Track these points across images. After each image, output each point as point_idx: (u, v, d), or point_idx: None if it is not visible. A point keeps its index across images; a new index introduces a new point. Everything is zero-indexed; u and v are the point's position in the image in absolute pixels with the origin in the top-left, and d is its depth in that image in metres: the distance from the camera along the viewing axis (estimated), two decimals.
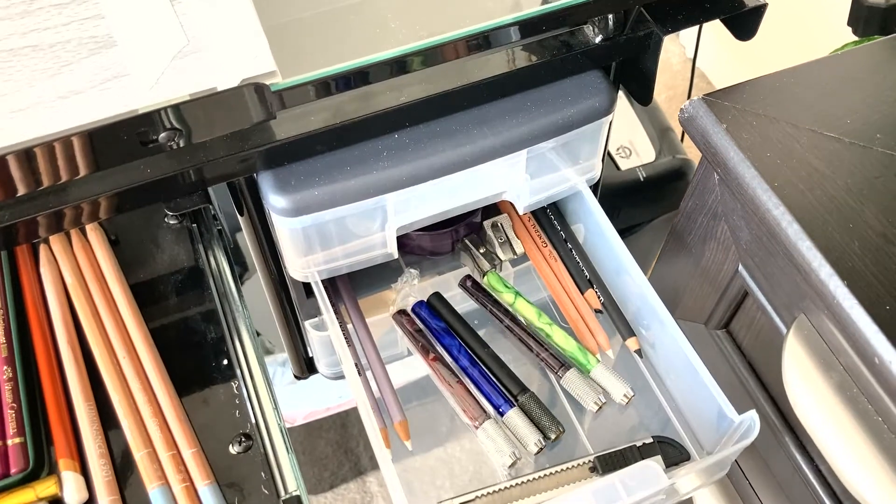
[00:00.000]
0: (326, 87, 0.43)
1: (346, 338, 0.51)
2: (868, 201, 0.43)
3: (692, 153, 1.02)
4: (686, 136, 1.05)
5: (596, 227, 0.55)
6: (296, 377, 0.67)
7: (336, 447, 1.27)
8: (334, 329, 0.50)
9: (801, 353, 0.45)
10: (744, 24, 0.54)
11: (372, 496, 1.26)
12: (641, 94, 0.53)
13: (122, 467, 0.44)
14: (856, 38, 0.72)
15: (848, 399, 0.44)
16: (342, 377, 0.64)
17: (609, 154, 0.96)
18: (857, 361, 0.42)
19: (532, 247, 0.59)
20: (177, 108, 0.39)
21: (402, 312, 0.57)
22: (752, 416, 0.45)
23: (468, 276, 0.58)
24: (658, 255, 0.64)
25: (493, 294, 0.57)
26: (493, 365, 0.54)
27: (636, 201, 1.00)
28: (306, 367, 0.65)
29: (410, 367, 0.57)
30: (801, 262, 0.42)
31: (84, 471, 0.44)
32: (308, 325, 0.58)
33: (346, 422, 1.26)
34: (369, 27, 0.44)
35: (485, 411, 0.51)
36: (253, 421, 0.45)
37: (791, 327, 0.46)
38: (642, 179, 0.98)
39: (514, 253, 0.59)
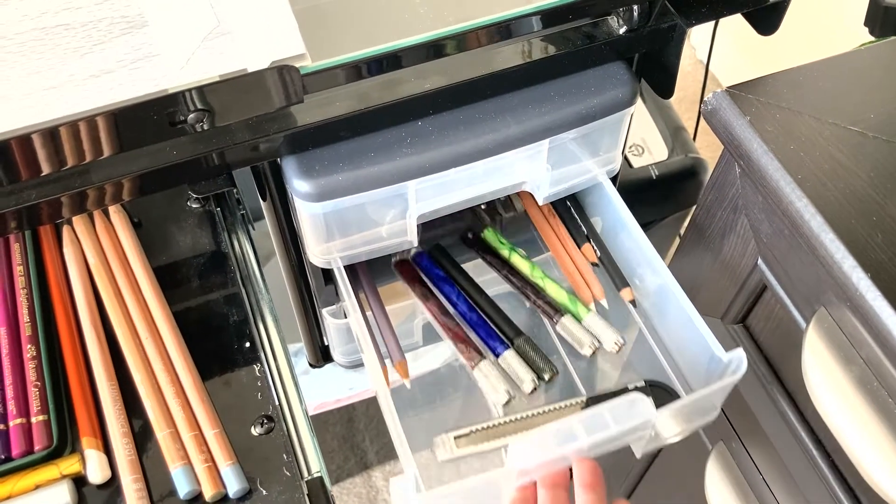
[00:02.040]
0: (353, 71, 0.43)
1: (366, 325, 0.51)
2: (891, 194, 0.43)
3: (705, 153, 1.02)
4: (698, 135, 1.05)
5: (615, 215, 0.55)
6: (311, 365, 0.67)
7: (342, 441, 1.27)
8: (356, 315, 0.50)
9: (821, 346, 0.45)
10: (766, 19, 0.54)
11: (377, 490, 1.26)
12: (663, 87, 0.53)
13: (145, 447, 0.45)
14: (871, 39, 0.73)
15: (868, 392, 0.44)
16: (357, 366, 0.64)
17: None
18: (879, 354, 0.42)
19: (531, 203, 0.59)
20: (206, 88, 0.39)
21: (403, 262, 0.57)
22: (739, 354, 0.46)
23: (469, 229, 0.59)
24: (675, 250, 0.64)
25: (492, 248, 0.58)
26: (490, 310, 0.55)
27: (648, 199, 1.00)
28: (321, 355, 0.66)
29: (422, 359, 0.58)
30: (824, 254, 0.42)
31: (107, 449, 0.45)
32: (326, 313, 0.59)
33: (353, 416, 1.26)
34: (397, 11, 0.44)
35: (480, 353, 0.52)
36: (276, 403, 0.46)
37: (811, 321, 0.46)
38: (654, 178, 0.98)
39: (515, 209, 0.59)
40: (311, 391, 0.93)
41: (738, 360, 0.46)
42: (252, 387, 0.46)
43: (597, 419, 0.43)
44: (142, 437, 0.45)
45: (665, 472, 0.78)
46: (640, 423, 0.43)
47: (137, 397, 0.46)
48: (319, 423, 1.26)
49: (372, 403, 1.21)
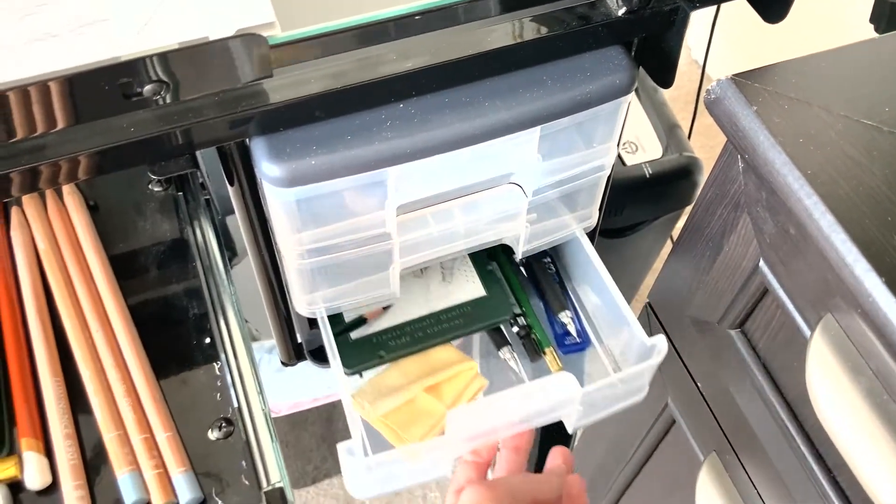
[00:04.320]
0: (329, 44, 0.39)
1: None
2: None
3: (699, 153, 1.00)
4: (693, 136, 1.02)
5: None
6: (283, 364, 0.63)
7: (321, 440, 1.24)
8: None
9: (827, 355, 0.42)
10: (773, 5, 0.51)
11: None
12: (663, 75, 0.50)
13: (90, 450, 0.41)
14: (876, 37, 0.71)
15: (877, 406, 0.41)
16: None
17: None
18: (890, 365, 0.39)
19: None
20: (164, 57, 0.36)
21: None
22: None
23: None
24: (668, 251, 0.61)
25: None
26: None
27: (641, 198, 0.97)
28: (295, 353, 0.62)
29: None
30: (835, 256, 0.39)
31: (48, 452, 0.41)
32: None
33: (332, 415, 1.23)
34: None
35: None
36: (235, 405, 0.42)
37: (816, 328, 0.43)
38: (648, 176, 0.95)
39: None
40: (286, 390, 0.89)
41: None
42: (210, 386, 0.43)
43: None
44: (87, 439, 0.41)
45: (653, 482, 0.75)
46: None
47: (84, 395, 0.42)
48: (297, 421, 1.22)
49: None
